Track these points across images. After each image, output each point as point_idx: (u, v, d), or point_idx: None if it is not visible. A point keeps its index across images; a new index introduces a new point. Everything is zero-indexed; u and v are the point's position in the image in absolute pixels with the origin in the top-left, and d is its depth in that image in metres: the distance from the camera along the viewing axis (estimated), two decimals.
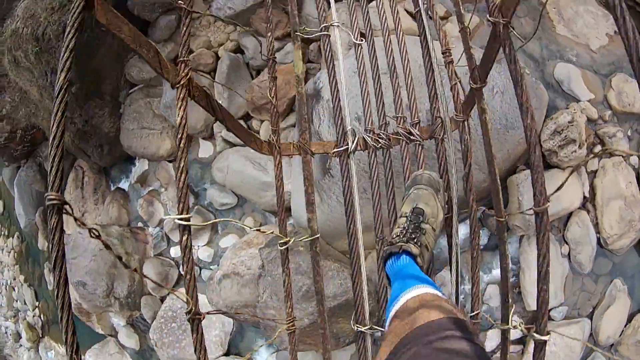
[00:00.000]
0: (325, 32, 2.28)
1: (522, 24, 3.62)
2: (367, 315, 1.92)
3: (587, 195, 3.42)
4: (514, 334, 3.37)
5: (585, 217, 3.38)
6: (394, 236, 1.62)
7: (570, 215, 3.40)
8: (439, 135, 2.06)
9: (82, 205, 4.65)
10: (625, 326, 3.43)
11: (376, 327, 1.89)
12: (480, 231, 3.39)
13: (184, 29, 1.52)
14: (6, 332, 6.07)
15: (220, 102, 3.87)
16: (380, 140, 2.07)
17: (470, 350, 0.91)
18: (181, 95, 1.43)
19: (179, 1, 1.57)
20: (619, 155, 3.36)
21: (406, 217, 1.67)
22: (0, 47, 3.98)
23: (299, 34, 2.47)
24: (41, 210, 5.15)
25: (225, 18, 3.81)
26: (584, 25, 3.62)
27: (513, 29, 1.31)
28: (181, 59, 1.49)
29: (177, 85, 1.43)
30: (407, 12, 3.55)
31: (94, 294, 3.99)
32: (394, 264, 1.54)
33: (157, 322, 3.92)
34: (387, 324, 1.24)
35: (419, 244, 1.57)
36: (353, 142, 2.06)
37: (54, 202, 0.93)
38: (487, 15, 1.34)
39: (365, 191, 2.82)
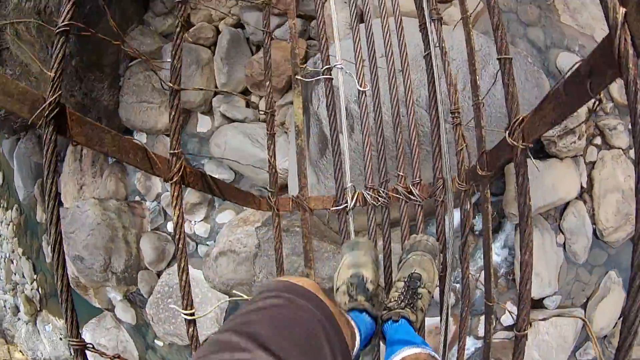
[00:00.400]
0: (328, 76, 2.21)
1: (527, 11, 3.56)
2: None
3: (584, 185, 3.40)
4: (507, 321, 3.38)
5: (581, 207, 3.37)
6: (392, 300, 1.71)
7: (567, 205, 3.39)
8: (439, 197, 2.01)
9: (80, 178, 4.63)
10: (619, 318, 3.43)
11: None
12: (475, 218, 3.37)
13: (173, 124, 1.47)
14: (4, 306, 6.10)
15: (219, 77, 3.87)
16: (379, 198, 2.04)
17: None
18: (175, 194, 1.38)
19: (168, 83, 1.48)
20: (618, 148, 3.33)
21: (404, 282, 1.74)
22: (2, 20, 3.93)
23: (299, 77, 2.40)
24: (39, 182, 5.14)
25: None
26: (589, 16, 3.56)
27: (531, 156, 1.16)
28: (172, 151, 1.44)
29: (171, 182, 1.38)
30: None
31: (91, 269, 4.00)
32: (391, 326, 1.63)
33: (154, 297, 3.93)
34: None
35: (415, 308, 1.67)
36: (352, 198, 2.05)
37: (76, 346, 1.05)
38: (506, 133, 1.21)
39: None
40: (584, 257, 3.36)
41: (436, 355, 1.33)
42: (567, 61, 3.42)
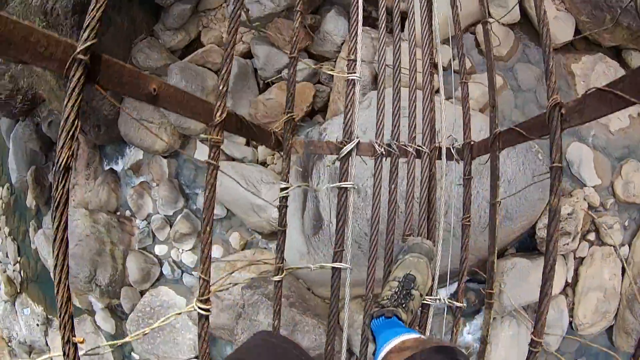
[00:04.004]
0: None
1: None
2: None
3: (569, 280, 3.43)
4: None
5: (562, 301, 3.40)
6: (385, 297, 1.75)
7: None
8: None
9: (73, 177, 4.59)
10: None
11: None
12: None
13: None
14: None
15: None
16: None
17: None
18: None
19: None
20: (611, 246, 3.34)
21: (399, 281, 1.78)
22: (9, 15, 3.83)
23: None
24: (33, 169, 5.10)
25: (245, 21, 3.65)
26: None
27: None
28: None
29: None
30: None
31: (76, 278, 4.03)
32: (381, 323, 1.66)
33: (135, 314, 3.99)
34: None
35: (406, 308, 1.70)
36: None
37: None
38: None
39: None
40: (555, 347, 3.42)
41: (422, 336, 1.41)
42: (577, 152, 3.38)
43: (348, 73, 2.03)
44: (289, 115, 2.08)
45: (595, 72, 3.45)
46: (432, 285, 1.97)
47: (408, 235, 2.05)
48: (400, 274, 1.81)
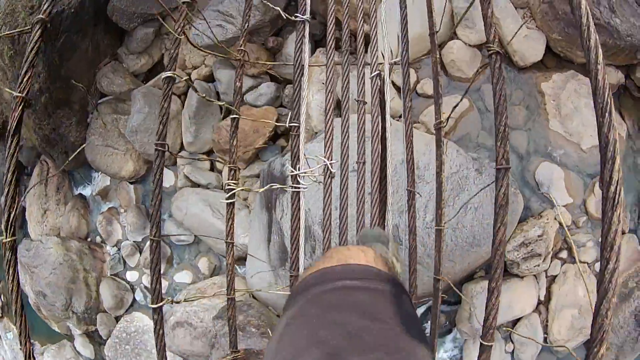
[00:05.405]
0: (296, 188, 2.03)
1: (515, 112, 3.43)
2: None
3: (541, 298, 3.41)
4: None
5: (535, 319, 3.39)
6: None
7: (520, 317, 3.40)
8: None
9: (44, 203, 4.60)
10: None
11: None
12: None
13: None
14: None
15: (186, 136, 3.80)
16: None
17: (364, 300, 0.71)
18: None
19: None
20: (584, 263, 3.32)
21: None
22: None
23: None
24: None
25: (203, 47, 3.62)
26: (580, 122, 3.42)
27: None
28: None
29: None
30: None
31: (53, 306, 4.05)
32: None
33: (112, 340, 4.01)
34: None
35: None
36: None
37: None
38: None
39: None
40: None
41: None
42: (547, 172, 3.35)
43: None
44: None
45: (567, 90, 3.40)
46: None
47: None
48: None
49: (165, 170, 3.96)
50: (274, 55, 3.66)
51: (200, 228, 3.65)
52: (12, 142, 1.07)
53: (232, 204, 2.03)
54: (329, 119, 1.96)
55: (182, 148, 3.92)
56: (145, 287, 4.04)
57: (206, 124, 3.74)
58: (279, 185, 2.38)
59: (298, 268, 1.97)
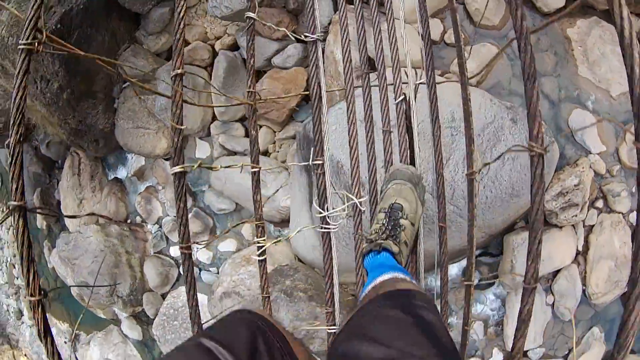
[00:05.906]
0: None
1: (544, 59, 3.40)
2: None
3: (579, 249, 3.43)
4: None
5: (574, 270, 3.41)
6: (373, 232, 1.60)
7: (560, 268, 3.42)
8: None
9: (79, 193, 4.64)
10: None
11: None
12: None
13: None
14: (8, 310, 6.21)
15: (217, 104, 3.84)
16: None
17: (422, 316, 0.94)
18: None
19: None
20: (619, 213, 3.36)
21: (385, 212, 1.63)
22: None
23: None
24: (39, 191, 5.14)
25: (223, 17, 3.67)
26: (608, 69, 3.38)
27: None
28: None
29: None
30: None
31: (97, 294, 4.09)
32: (373, 259, 1.54)
33: (159, 318, 4.07)
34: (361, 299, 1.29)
35: (398, 240, 1.56)
36: None
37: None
38: None
39: None
40: (570, 316, 3.45)
41: (407, 277, 1.29)
42: (580, 120, 3.32)
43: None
44: None
45: (592, 36, 3.36)
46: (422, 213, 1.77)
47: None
48: (386, 205, 1.64)
49: (200, 141, 4.01)
50: (296, 17, 3.69)
51: (241, 195, 3.69)
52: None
53: (264, 260, 1.96)
54: (353, 153, 1.91)
55: (214, 119, 3.95)
56: None
57: (236, 92, 3.77)
58: (309, 226, 2.38)
59: (334, 304, 1.93)
